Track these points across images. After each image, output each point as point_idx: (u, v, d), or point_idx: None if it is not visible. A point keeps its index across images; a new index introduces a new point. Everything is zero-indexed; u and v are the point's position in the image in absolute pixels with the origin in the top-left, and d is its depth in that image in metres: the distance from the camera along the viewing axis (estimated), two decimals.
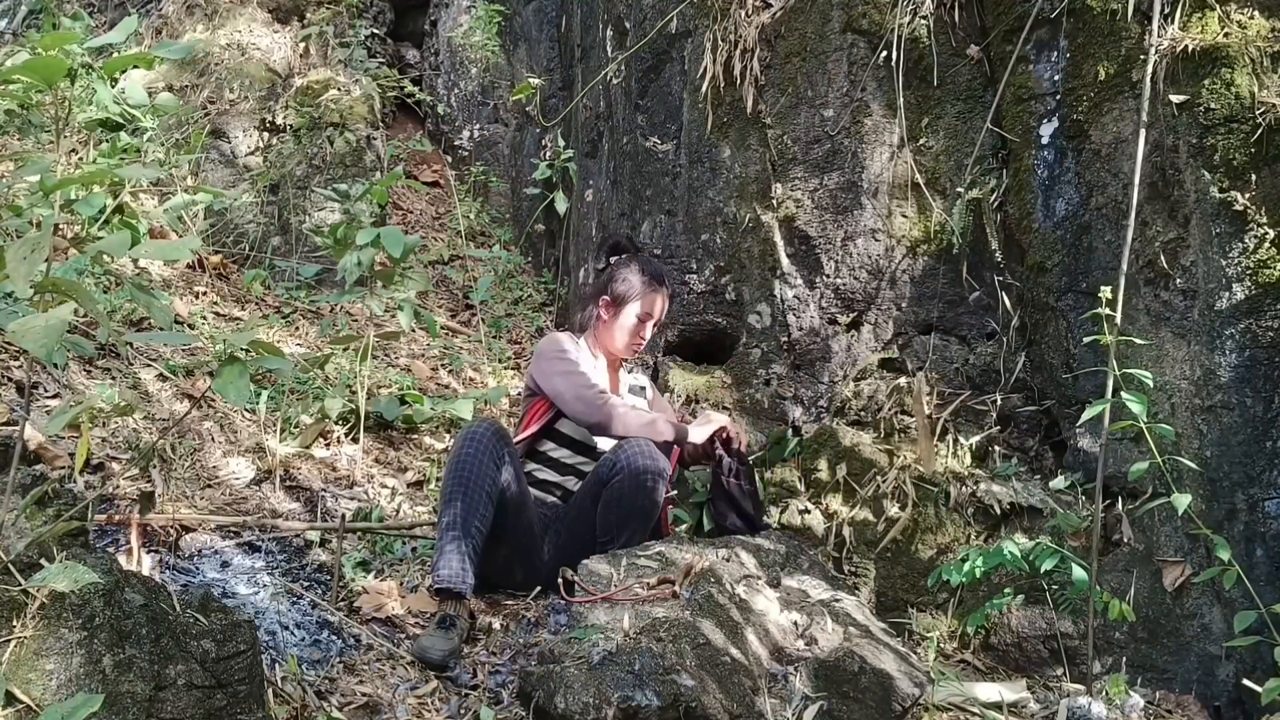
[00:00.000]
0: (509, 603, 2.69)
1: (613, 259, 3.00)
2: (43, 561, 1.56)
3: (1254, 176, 2.44)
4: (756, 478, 2.96)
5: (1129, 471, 2.36)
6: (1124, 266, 2.52)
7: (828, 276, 3.40)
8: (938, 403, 3.14)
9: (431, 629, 2.40)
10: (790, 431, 3.40)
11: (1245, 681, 2.29)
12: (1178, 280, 2.62)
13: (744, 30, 3.53)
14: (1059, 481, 2.88)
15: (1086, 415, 2.35)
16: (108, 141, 4.36)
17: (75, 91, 4.22)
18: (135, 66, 4.39)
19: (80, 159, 4.27)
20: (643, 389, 3.05)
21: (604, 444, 2.78)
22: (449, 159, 6.36)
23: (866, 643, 2.28)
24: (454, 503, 2.45)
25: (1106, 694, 2.40)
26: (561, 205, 4.55)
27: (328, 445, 3.37)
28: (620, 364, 3.03)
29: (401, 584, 2.66)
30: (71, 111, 4.08)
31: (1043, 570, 2.44)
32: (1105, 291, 2.32)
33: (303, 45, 5.24)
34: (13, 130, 4.28)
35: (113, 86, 4.49)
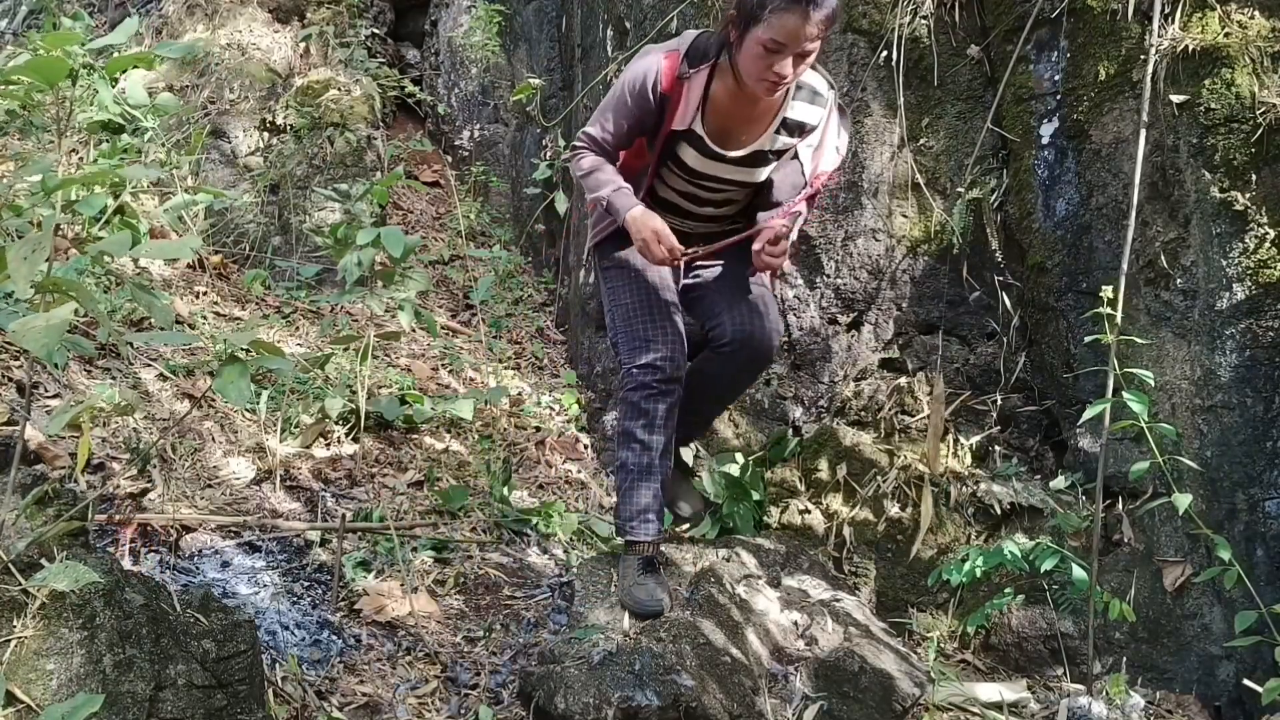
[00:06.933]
0: (509, 603, 2.69)
1: None
2: (43, 561, 1.56)
3: (1254, 176, 2.44)
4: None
5: (1129, 471, 2.35)
6: (1124, 266, 2.52)
7: (828, 276, 3.39)
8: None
9: (638, 576, 2.35)
10: (790, 431, 3.40)
11: (1246, 681, 2.29)
12: (1178, 280, 2.62)
13: None
14: (1059, 481, 2.88)
15: (1087, 415, 2.35)
16: (109, 142, 4.36)
17: (76, 92, 4.23)
18: (136, 66, 4.39)
19: (81, 159, 4.27)
20: (803, 128, 2.35)
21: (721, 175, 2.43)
22: (449, 159, 6.36)
23: (867, 643, 2.28)
24: (632, 443, 2.37)
25: (1107, 694, 2.40)
26: (561, 205, 4.55)
27: (328, 445, 3.37)
28: (786, 93, 2.28)
29: (402, 585, 2.66)
30: (73, 112, 4.09)
31: (1043, 570, 2.44)
32: (1106, 291, 2.32)
33: (303, 45, 5.24)
34: (14, 130, 4.28)
35: (113, 86, 4.50)
